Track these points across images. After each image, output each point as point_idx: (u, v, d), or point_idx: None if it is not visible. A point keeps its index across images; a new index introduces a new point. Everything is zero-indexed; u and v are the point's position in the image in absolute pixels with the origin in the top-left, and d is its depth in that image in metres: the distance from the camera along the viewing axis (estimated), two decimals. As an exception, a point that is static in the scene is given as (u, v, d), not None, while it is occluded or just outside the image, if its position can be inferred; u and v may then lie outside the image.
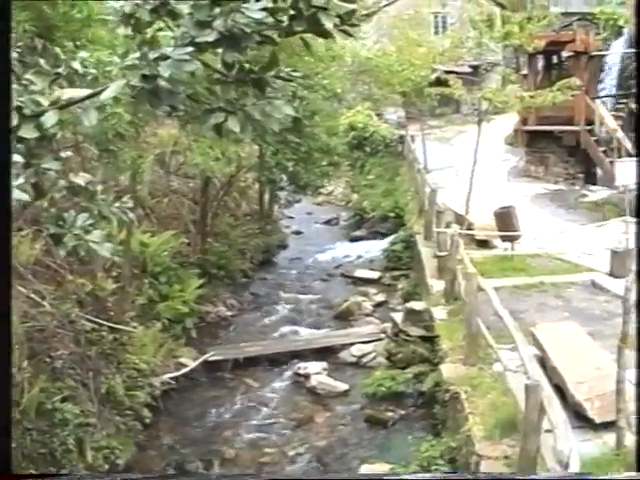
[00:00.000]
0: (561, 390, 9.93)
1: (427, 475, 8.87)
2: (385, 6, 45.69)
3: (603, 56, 30.28)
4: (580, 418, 9.53)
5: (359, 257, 28.19)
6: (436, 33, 43.15)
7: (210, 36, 3.70)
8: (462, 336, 13.12)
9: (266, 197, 29.59)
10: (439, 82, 24.95)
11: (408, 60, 28.75)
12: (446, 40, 28.73)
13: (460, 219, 19.47)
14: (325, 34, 3.83)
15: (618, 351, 8.83)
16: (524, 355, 9.30)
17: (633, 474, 2.20)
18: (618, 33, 29.15)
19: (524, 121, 29.61)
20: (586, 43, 27.98)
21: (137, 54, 3.91)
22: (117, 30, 4.53)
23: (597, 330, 12.76)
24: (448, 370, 12.68)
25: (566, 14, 37.26)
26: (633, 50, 27.41)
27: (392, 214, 29.23)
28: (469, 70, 33.89)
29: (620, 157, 22.84)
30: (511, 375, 10.85)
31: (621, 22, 28.72)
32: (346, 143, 32.12)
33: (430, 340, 15.48)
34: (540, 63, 30.92)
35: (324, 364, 17.70)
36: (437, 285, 16.84)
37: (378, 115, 38.24)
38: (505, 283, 15.85)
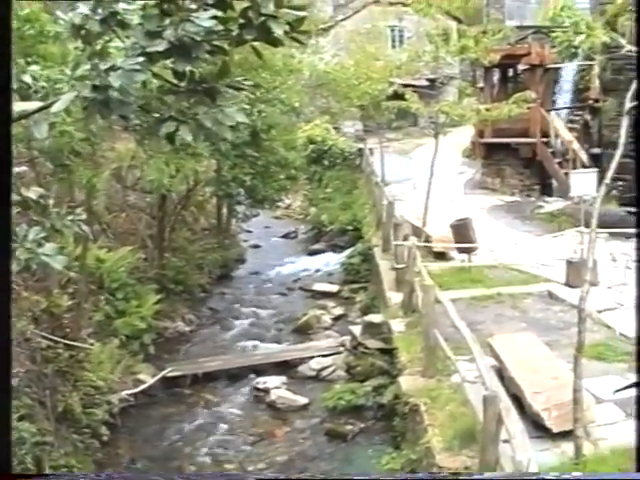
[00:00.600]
0: (519, 400, 9.99)
1: (427, 475, 8.88)
2: (342, 20, 46.11)
3: (558, 69, 30.75)
4: (538, 428, 9.60)
5: (318, 270, 28.20)
6: (393, 47, 43.49)
7: (160, 46, 3.68)
8: (420, 348, 13.16)
9: (224, 211, 29.48)
10: (396, 95, 25.09)
11: (365, 74, 28.94)
12: (403, 54, 28.90)
13: (417, 231, 19.56)
14: (275, 42, 3.83)
15: (574, 360, 8.91)
16: (481, 366, 9.36)
17: (633, 474, 2.23)
18: (573, 54, 29.62)
19: (481, 134, 29.92)
20: (541, 56, 28.39)
21: (88, 65, 3.87)
22: (68, 44, 4.48)
23: (554, 340, 12.91)
24: (407, 382, 12.70)
25: (521, 27, 37.86)
26: (587, 63, 27.87)
27: (350, 227, 29.29)
28: (426, 83, 34.12)
29: (575, 168, 23.14)
30: (469, 386, 10.91)
31: (576, 43, 29.06)
32: (304, 157, 32.15)
33: (389, 352, 15.51)
34: (496, 76, 31.30)
35: (283, 378, 17.65)
36: (395, 297, 16.90)
37: (336, 128, 38.32)
38: (463, 295, 15.97)
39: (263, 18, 3.72)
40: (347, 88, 30.05)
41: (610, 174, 9.15)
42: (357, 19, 44.73)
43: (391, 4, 41.05)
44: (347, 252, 27.17)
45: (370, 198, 27.94)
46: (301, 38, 3.94)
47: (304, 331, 21.34)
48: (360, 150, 34.14)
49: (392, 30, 45.01)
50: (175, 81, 3.92)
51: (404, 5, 21.23)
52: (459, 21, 36.95)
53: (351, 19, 45.74)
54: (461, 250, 18.76)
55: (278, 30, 3.72)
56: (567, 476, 2.34)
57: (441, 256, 19.37)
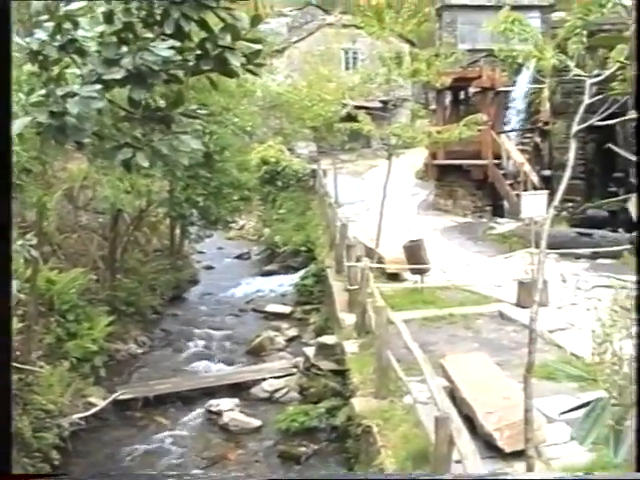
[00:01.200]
0: (471, 421, 10.12)
1: (426, 475, 8.91)
2: (296, 42, 46.41)
3: (509, 91, 31.32)
4: (490, 448, 9.72)
5: (271, 292, 28.21)
6: (347, 69, 43.85)
7: (118, 74, 3.74)
8: (373, 369, 13.26)
9: (177, 232, 29.37)
10: (349, 117, 25.35)
11: (318, 95, 29.15)
12: (356, 76, 29.19)
13: (370, 253, 19.74)
14: (231, 73, 3.92)
15: (524, 381, 9.07)
16: (433, 387, 9.48)
17: (633, 474, 2.35)
18: (517, 71, 30.18)
19: (433, 155, 30.27)
20: (492, 79, 28.92)
21: (43, 91, 3.91)
22: (23, 67, 4.53)
23: (505, 360, 13.10)
24: (360, 404, 12.77)
25: (473, 51, 38.49)
26: (537, 86, 28.43)
27: (303, 248, 29.37)
28: (379, 105, 34.45)
29: (526, 190, 23.54)
30: (422, 407, 11.01)
31: (520, 60, 29.61)
32: (258, 178, 32.18)
33: (342, 374, 15.56)
34: (448, 99, 31.77)
35: (236, 400, 17.60)
36: (348, 319, 16.99)
37: (290, 149, 38.51)
38: (415, 315, 16.13)
39: (220, 49, 3.81)
40: (300, 109, 30.25)
41: (559, 196, 9.35)
42: (311, 41, 45.06)
43: (345, 26, 41.45)
44: (300, 273, 27.23)
45: (323, 219, 28.09)
46: (257, 70, 4.04)
47: (257, 353, 21.33)
48: (314, 171, 34.32)
49: (346, 52, 45.42)
50: (131, 109, 3.99)
51: (357, 28, 21.50)
52: (412, 44, 37.41)
53: (305, 41, 46.07)
54: (414, 271, 18.96)
55: (234, 62, 3.82)
56: (569, 476, 2.49)
57: (394, 277, 19.55)
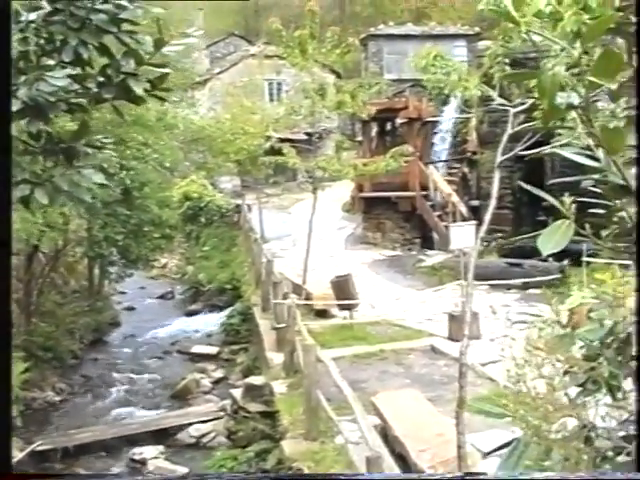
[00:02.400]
0: (404, 459, 10.09)
1: (426, 475, 8.79)
2: (219, 73, 46.48)
3: (436, 122, 31.83)
4: (424, 486, 9.68)
5: (196, 332, 27.90)
6: (271, 100, 44.09)
7: (14, 106, 3.62)
8: (303, 410, 13.14)
9: (96, 272, 28.89)
10: (274, 150, 25.40)
11: (242, 128, 29.19)
12: (281, 108, 29.35)
13: (297, 289, 19.68)
14: (136, 100, 3.84)
15: (456, 416, 9.07)
16: (364, 426, 9.42)
17: (633, 474, 2.32)
18: (444, 101, 30.74)
19: (360, 187, 30.47)
20: (419, 109, 29.34)
21: None
22: None
23: (438, 395, 13.14)
24: (290, 446, 12.63)
25: (399, 81, 39.05)
26: (464, 116, 28.96)
27: (229, 286, 29.17)
28: (304, 137, 34.60)
29: (455, 221, 23.86)
30: (353, 447, 10.93)
31: (446, 90, 30.25)
32: (180, 214, 31.98)
33: (271, 415, 15.39)
34: (374, 130, 32.09)
35: (161, 447, 17.26)
36: (276, 358, 16.86)
37: (213, 184, 38.38)
38: (345, 353, 16.09)
39: (123, 76, 3.73)
40: (223, 143, 30.21)
41: (484, 227, 9.45)
42: (234, 72, 45.23)
43: (268, 57, 41.70)
44: (226, 312, 27.05)
45: (249, 256, 27.97)
46: (164, 96, 3.96)
47: (183, 396, 21.00)
48: (238, 206, 34.26)
49: (270, 83, 45.70)
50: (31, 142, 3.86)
51: (281, 58, 21.60)
52: (338, 75, 37.82)
53: (228, 72, 46.20)
54: (342, 307, 18.96)
55: (138, 89, 3.74)
56: (571, 477, 2.43)
57: (322, 314, 19.51)
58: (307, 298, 19.48)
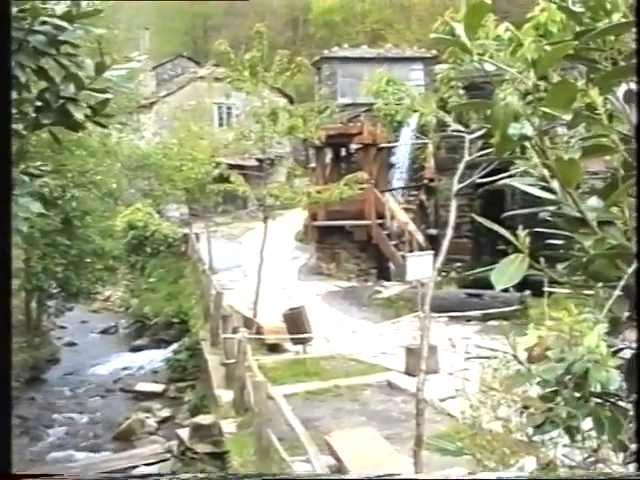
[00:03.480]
0: (359, 501, 10.04)
1: (426, 475, 8.71)
2: (165, 96, 46.44)
3: (392, 147, 32.08)
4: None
5: (141, 368, 27.62)
6: (220, 125, 44.20)
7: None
8: (254, 450, 13.04)
9: (33, 306, 28.47)
10: (223, 177, 25.37)
11: (190, 154, 29.15)
12: (230, 133, 29.36)
13: (248, 323, 19.62)
14: (76, 127, 3.82)
15: (414, 455, 9.08)
16: (317, 467, 9.38)
17: (633, 474, 2.34)
18: (400, 126, 31.06)
19: (314, 216, 30.51)
20: (374, 135, 29.58)
21: None
22: None
23: (395, 433, 13.13)
24: (240, 489, 12.51)
25: (354, 105, 39.36)
26: (421, 141, 29.26)
27: (176, 320, 28.94)
28: (255, 163, 34.75)
29: (412, 251, 24.02)
30: (307, 489, 10.86)
31: (398, 117, 30.63)
32: (124, 244, 31.75)
33: (220, 457, 15.26)
34: (328, 156, 32.26)
35: (103, 493, 16.99)
36: (226, 396, 16.72)
37: (159, 213, 38.19)
38: (298, 389, 16.03)
39: (62, 101, 3.71)
40: (170, 170, 30.14)
41: (442, 258, 9.52)
42: (181, 95, 45.25)
43: (217, 80, 41.76)
44: (173, 347, 26.83)
45: (197, 287, 27.81)
46: (105, 122, 3.96)
47: (126, 437, 20.75)
48: (186, 235, 34.08)
49: (219, 107, 45.82)
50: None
51: (230, 81, 21.62)
52: (290, 99, 38.00)
53: (175, 95, 46.22)
54: (295, 341, 18.92)
55: (79, 114, 3.72)
56: (576, 476, 2.45)
57: (274, 348, 19.45)
58: (258, 332, 19.42)
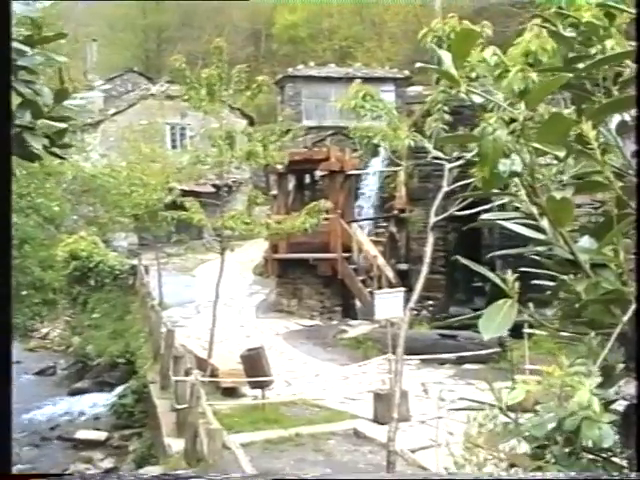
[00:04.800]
0: None
1: (426, 475, 8.65)
2: (114, 114, 46.35)
3: (361, 175, 32.22)
4: None
5: (82, 414, 27.29)
6: (174, 147, 44.25)
7: None
8: (207, 505, 12.92)
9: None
10: (177, 204, 25.30)
11: (140, 178, 29.02)
12: (185, 156, 29.36)
13: (202, 364, 19.52)
14: (32, 157, 3.81)
15: (383, 512, 9.06)
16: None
17: (633, 474, 2.35)
18: (374, 153, 31.20)
19: (274, 248, 30.46)
20: (341, 161, 29.60)
21: None
22: None
23: (362, 487, 13.08)
24: None
25: (320, 128, 39.58)
26: (392, 169, 29.41)
27: (122, 360, 28.69)
28: (212, 190, 34.70)
29: (381, 287, 24.07)
30: None
31: (376, 140, 30.67)
32: (65, 276, 31.49)
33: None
34: (291, 183, 32.32)
35: None
36: (176, 445, 16.58)
37: (105, 242, 37.99)
38: (256, 438, 15.96)
39: (17, 130, 3.70)
40: (118, 195, 29.98)
41: (416, 296, 9.58)
42: (131, 113, 45.21)
43: (171, 98, 41.83)
44: (118, 390, 26.57)
45: (146, 325, 27.64)
46: (62, 153, 3.95)
47: (64, 492, 20.48)
48: (134, 267, 33.92)
49: (172, 128, 45.91)
50: None
51: (186, 100, 21.52)
52: (250, 120, 38.19)
53: (124, 113, 46.17)
54: (254, 384, 18.83)
55: (37, 144, 3.72)
56: (575, 476, 2.45)
57: (230, 392, 19.38)
58: (213, 374, 19.33)
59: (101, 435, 24.40)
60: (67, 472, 21.05)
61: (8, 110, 3.29)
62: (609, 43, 2.84)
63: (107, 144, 42.30)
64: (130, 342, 29.07)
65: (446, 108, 9.02)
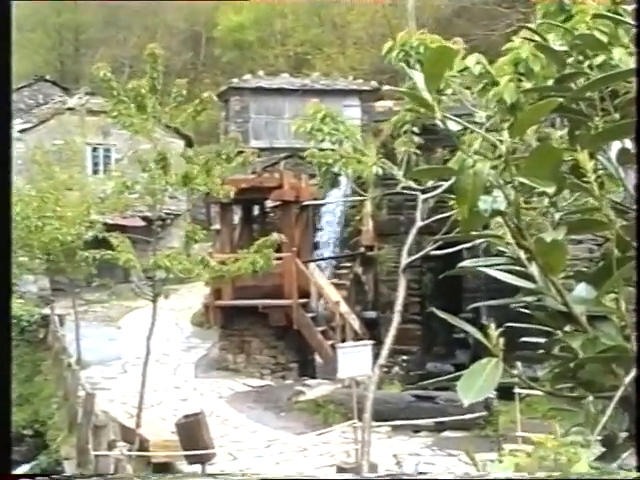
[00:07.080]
0: None
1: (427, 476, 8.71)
2: (22, 132, 46.09)
3: (320, 206, 32.21)
4: None
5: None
6: (95, 172, 44.09)
7: None
8: None
9: None
10: (99, 241, 25.20)
11: (54, 210, 28.84)
12: (109, 182, 29.25)
13: (129, 435, 19.39)
14: None
15: None
16: None
17: (633, 474, 2.36)
18: (333, 183, 31.25)
19: (217, 293, 30.21)
20: (297, 189, 29.56)
21: None
22: None
23: None
24: None
25: (271, 150, 39.59)
26: (356, 199, 29.48)
27: (29, 432, 28.38)
28: (142, 224, 34.65)
29: (344, 340, 24.10)
30: None
31: (336, 169, 30.67)
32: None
33: None
34: (238, 215, 32.25)
35: None
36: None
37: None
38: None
39: None
40: (26, 230, 29.74)
41: (386, 350, 9.60)
42: (43, 131, 45.07)
43: (92, 113, 41.79)
44: (24, 469, 26.23)
45: (60, 387, 27.43)
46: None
47: None
48: (46, 318, 33.68)
49: (94, 149, 45.80)
50: None
51: (113, 116, 21.23)
52: (188, 140, 38.21)
53: (34, 131, 45.97)
54: (192, 459, 18.72)
55: None
56: (574, 476, 2.46)
57: (164, 468, 19.24)
58: (142, 447, 19.20)
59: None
60: None
61: (8, 110, 3.35)
62: (617, 53, 2.85)
63: (14, 168, 42.06)
64: (40, 409, 28.80)
65: (416, 129, 9.09)
